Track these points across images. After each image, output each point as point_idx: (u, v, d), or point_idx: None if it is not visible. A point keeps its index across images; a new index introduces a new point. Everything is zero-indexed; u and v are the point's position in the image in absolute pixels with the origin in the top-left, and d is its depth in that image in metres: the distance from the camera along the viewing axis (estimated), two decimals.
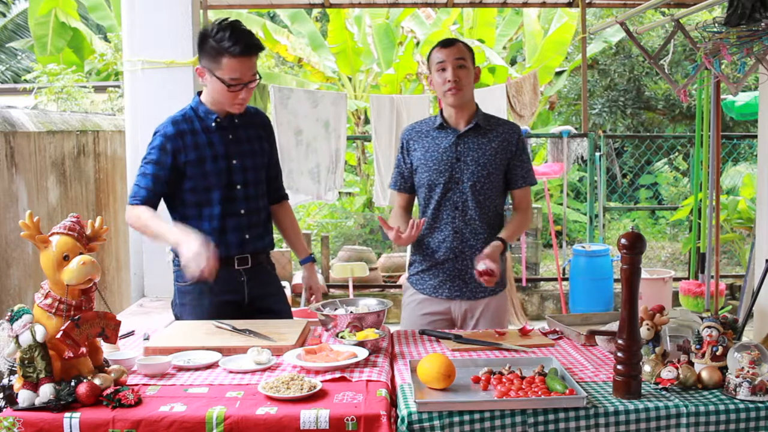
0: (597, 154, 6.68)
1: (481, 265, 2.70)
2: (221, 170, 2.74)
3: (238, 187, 2.78)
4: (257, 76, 2.69)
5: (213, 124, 2.76)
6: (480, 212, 2.86)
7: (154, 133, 2.78)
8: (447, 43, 2.86)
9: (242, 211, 2.79)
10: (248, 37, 2.63)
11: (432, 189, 2.88)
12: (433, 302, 2.93)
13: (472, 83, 2.86)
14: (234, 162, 2.77)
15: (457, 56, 2.81)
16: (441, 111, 2.94)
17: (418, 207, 3.02)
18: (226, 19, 2.67)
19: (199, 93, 2.81)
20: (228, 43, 2.59)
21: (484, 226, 2.88)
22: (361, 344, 2.34)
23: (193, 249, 2.43)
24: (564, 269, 6.75)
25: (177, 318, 2.87)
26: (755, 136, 4.86)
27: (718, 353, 2.07)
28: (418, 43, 9.63)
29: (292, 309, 3.07)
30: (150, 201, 2.73)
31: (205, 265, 2.42)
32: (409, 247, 3.07)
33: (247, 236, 2.80)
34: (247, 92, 2.69)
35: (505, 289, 3.01)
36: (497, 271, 2.71)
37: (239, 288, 2.82)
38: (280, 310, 2.90)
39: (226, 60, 2.61)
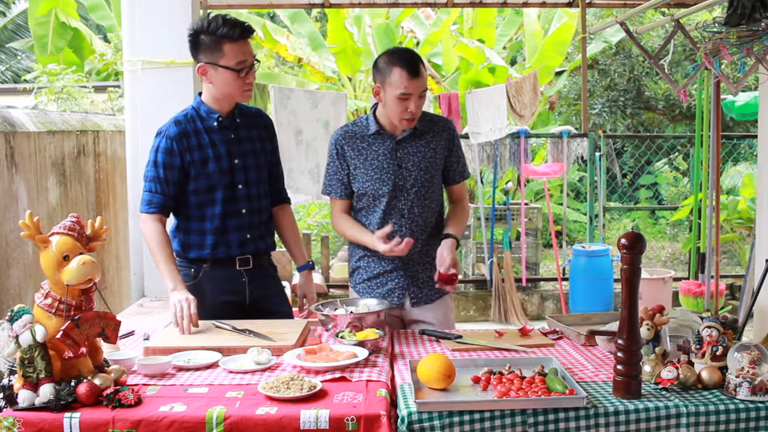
0: (597, 154, 6.68)
1: (451, 270, 2.67)
2: (224, 170, 2.74)
3: (240, 186, 2.78)
4: (257, 60, 2.72)
5: (215, 124, 2.75)
6: (425, 216, 2.84)
7: (157, 135, 2.76)
8: (415, 73, 2.66)
9: (244, 211, 2.79)
10: (240, 22, 2.68)
11: (376, 198, 2.82)
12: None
13: None
14: (236, 161, 2.77)
15: (423, 88, 2.70)
16: (374, 114, 2.82)
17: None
18: (208, 14, 2.69)
19: (200, 93, 2.80)
20: (225, 29, 2.63)
21: (427, 228, 2.86)
22: (361, 344, 2.34)
23: (179, 302, 2.52)
24: (564, 269, 6.75)
25: None
26: (755, 136, 4.85)
27: (718, 353, 2.07)
28: (418, 43, 9.62)
29: (292, 309, 3.06)
30: (165, 207, 2.74)
31: (185, 322, 2.50)
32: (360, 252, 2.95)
33: (248, 236, 2.80)
34: (253, 76, 2.71)
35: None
36: (457, 276, 2.69)
37: (240, 289, 2.82)
38: (282, 312, 2.89)
39: (227, 46, 2.64)
